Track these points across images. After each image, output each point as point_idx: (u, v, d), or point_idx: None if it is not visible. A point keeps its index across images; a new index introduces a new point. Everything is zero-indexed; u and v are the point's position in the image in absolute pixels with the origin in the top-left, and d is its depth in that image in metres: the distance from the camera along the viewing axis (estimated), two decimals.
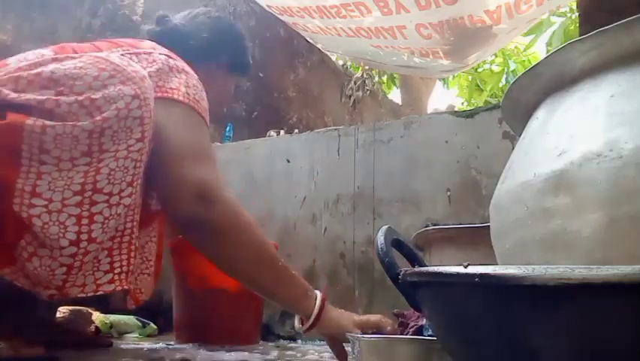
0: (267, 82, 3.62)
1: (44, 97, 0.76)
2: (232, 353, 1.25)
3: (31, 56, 0.90)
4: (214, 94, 1.12)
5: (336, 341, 1.02)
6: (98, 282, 0.78)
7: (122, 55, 0.91)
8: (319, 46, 3.25)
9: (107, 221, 0.77)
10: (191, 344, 1.47)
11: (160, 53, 0.97)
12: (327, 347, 1.05)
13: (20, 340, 0.92)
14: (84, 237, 0.75)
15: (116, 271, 0.80)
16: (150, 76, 0.88)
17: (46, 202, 0.73)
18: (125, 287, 0.80)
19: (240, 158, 2.26)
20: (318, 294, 0.99)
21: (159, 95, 0.89)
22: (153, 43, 1.04)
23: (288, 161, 2.14)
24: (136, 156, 0.80)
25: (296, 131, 2.76)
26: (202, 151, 0.92)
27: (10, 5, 2.21)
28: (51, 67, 0.80)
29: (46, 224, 0.73)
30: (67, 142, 0.74)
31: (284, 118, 3.68)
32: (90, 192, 0.75)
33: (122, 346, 1.36)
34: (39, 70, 0.79)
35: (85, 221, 0.75)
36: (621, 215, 0.51)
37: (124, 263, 0.81)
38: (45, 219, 0.73)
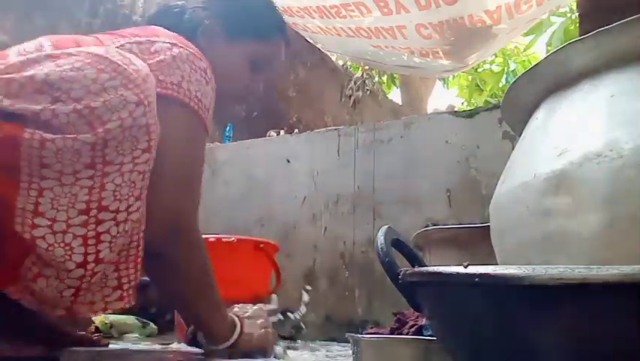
0: (267, 82, 3.61)
1: (40, 107, 0.70)
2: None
3: (31, 46, 0.83)
4: (218, 74, 0.96)
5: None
6: (107, 299, 0.76)
7: (121, 46, 0.83)
8: (319, 46, 3.25)
9: (114, 240, 0.73)
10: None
11: (164, 42, 0.88)
12: (326, 347, 1.05)
13: (20, 340, 0.92)
14: (91, 258, 0.71)
15: (124, 288, 0.77)
16: (151, 70, 0.81)
17: (50, 222, 0.69)
18: (132, 302, 0.78)
19: (240, 158, 2.26)
20: (236, 331, 0.98)
21: (159, 90, 0.82)
22: (159, 28, 0.95)
23: (288, 161, 2.14)
24: (143, 167, 0.75)
25: (296, 131, 2.76)
26: (191, 177, 0.89)
27: (10, 5, 2.21)
28: (46, 68, 0.73)
29: (51, 246, 0.69)
30: (69, 155, 0.69)
31: (284, 118, 3.68)
32: (95, 211, 0.71)
33: (121, 346, 1.36)
34: (32, 72, 0.73)
35: (91, 241, 0.71)
36: (621, 215, 0.51)
37: (132, 278, 0.78)
38: (50, 241, 0.69)
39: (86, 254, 0.70)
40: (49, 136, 0.69)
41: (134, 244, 0.78)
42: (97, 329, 1.57)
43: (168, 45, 0.87)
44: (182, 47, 0.89)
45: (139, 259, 0.79)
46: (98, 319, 1.63)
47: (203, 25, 1.05)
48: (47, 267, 0.70)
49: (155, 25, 0.99)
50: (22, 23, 2.23)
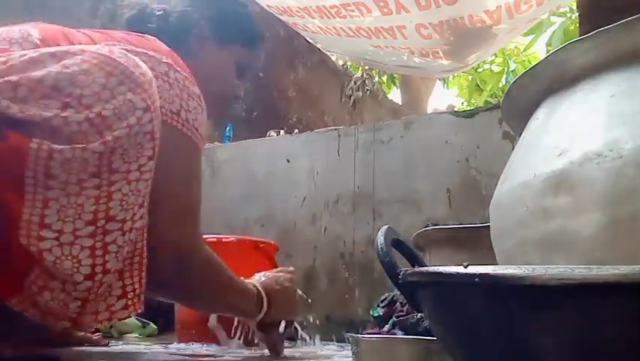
0: (267, 82, 3.62)
1: (51, 113, 0.67)
2: (232, 353, 1.25)
3: (16, 34, 0.80)
4: (208, 79, 1.00)
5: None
6: (112, 308, 0.74)
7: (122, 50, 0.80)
8: (319, 46, 3.24)
9: (120, 249, 0.71)
10: (191, 344, 1.46)
11: (163, 61, 0.86)
12: (328, 347, 1.06)
13: (19, 339, 0.92)
14: (99, 269, 0.69)
15: (129, 296, 0.76)
16: None
17: (56, 234, 0.66)
18: (138, 310, 0.77)
19: (239, 158, 2.26)
20: (262, 294, 1.07)
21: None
22: (153, 40, 0.93)
23: (288, 161, 2.14)
24: (147, 176, 0.73)
25: (296, 131, 2.76)
26: (190, 208, 0.88)
27: (10, 5, 2.20)
28: (53, 71, 0.70)
29: (59, 259, 0.66)
30: (76, 166, 0.67)
31: (284, 118, 3.68)
32: (103, 221, 0.69)
33: (121, 346, 1.36)
34: (39, 74, 0.69)
35: (99, 252, 0.69)
36: (621, 215, 0.51)
37: (136, 286, 0.76)
38: (57, 254, 0.66)
39: (93, 265, 0.69)
40: (57, 147, 0.66)
41: (137, 252, 0.76)
42: (97, 329, 1.57)
43: (165, 67, 0.86)
44: (178, 71, 0.87)
45: (143, 267, 0.77)
46: None
47: (196, 28, 1.07)
48: (53, 280, 0.68)
49: (134, 27, 0.99)
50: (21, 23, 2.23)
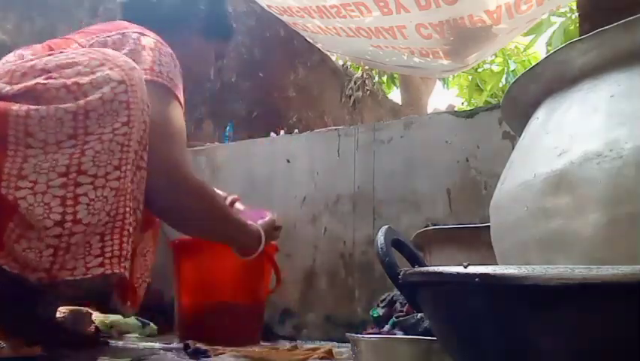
0: (267, 82, 3.62)
1: (33, 82, 0.78)
2: (232, 353, 1.25)
3: (11, 56, 0.94)
4: (192, 63, 1.17)
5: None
6: (88, 265, 0.79)
7: (96, 42, 0.94)
8: (319, 46, 3.25)
9: (92, 203, 0.77)
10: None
11: (133, 32, 0.98)
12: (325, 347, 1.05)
13: (19, 340, 0.92)
14: (69, 218, 0.76)
15: (106, 255, 0.80)
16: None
17: (31, 184, 0.75)
18: (115, 271, 0.80)
19: (240, 158, 2.26)
20: (261, 233, 1.18)
21: None
22: (124, 22, 1.06)
23: (288, 161, 2.14)
24: (122, 139, 0.80)
25: (296, 131, 2.76)
26: (173, 130, 0.96)
27: (10, 5, 2.20)
28: (45, 59, 0.82)
29: (32, 205, 0.74)
30: (52, 125, 0.76)
31: (284, 118, 3.68)
32: (75, 174, 0.76)
33: (121, 346, 1.36)
34: (33, 62, 0.82)
35: (70, 202, 0.76)
36: (621, 215, 0.51)
37: (115, 248, 0.81)
38: (30, 201, 0.74)
39: (64, 214, 0.75)
40: (33, 107, 0.76)
41: (119, 217, 0.82)
42: (97, 329, 1.57)
43: (137, 35, 0.98)
44: (148, 36, 0.99)
45: (125, 232, 0.82)
46: (98, 319, 1.63)
47: (186, 22, 1.21)
48: (29, 229, 0.75)
49: (131, 13, 1.12)
50: (22, 23, 2.23)
